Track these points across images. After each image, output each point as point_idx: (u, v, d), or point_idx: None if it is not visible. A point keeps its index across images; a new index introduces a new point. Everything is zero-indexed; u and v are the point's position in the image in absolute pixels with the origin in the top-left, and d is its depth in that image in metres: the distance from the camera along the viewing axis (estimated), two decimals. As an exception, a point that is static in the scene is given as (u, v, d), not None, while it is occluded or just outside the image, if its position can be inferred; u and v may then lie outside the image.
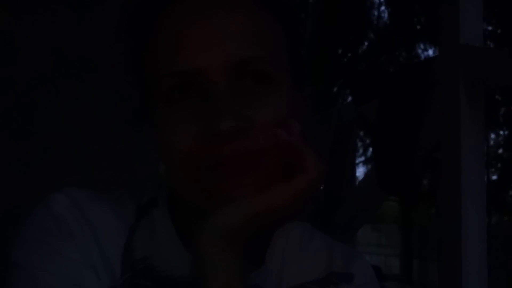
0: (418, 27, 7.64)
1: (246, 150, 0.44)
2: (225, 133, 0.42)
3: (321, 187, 1.65)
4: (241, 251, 0.44)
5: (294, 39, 0.50)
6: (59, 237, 0.47)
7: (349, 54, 7.87)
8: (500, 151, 9.96)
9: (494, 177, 9.48)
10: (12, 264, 0.47)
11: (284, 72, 0.47)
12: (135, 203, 0.52)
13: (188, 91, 0.45)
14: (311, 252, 0.55)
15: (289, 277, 0.53)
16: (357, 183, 2.06)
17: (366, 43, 8.06)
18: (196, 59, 0.44)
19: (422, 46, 8.05)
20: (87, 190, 0.51)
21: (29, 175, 1.25)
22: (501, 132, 9.62)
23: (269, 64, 0.46)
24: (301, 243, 0.56)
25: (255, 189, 0.43)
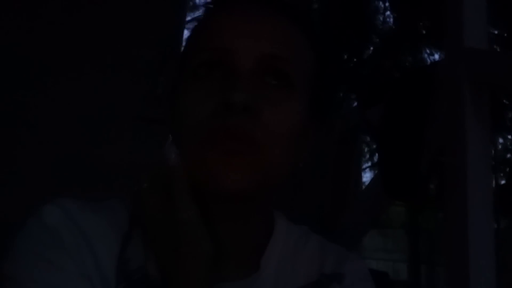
0: (424, 31, 7.62)
1: (248, 131, 0.46)
2: (236, 105, 0.45)
3: (326, 192, 1.64)
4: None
5: (321, 64, 0.54)
6: (52, 248, 0.47)
7: (354, 59, 7.86)
8: (508, 155, 9.87)
9: (503, 182, 9.39)
10: (6, 277, 0.47)
11: (305, 84, 0.50)
12: (128, 212, 0.52)
13: (215, 68, 0.48)
14: (305, 256, 0.56)
15: (284, 283, 0.53)
16: (363, 188, 2.05)
17: (371, 48, 8.05)
18: (229, 41, 0.48)
19: (428, 51, 8.02)
20: (79, 200, 0.51)
21: (28, 178, 1.25)
22: (509, 136, 9.53)
23: (292, 69, 0.49)
24: (297, 247, 0.56)
25: (242, 174, 0.45)
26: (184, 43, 0.55)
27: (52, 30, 1.37)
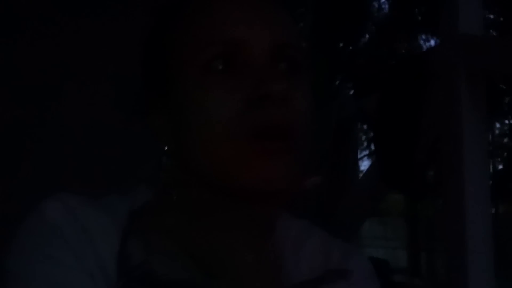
0: (419, 18, 7.59)
1: (289, 120, 0.45)
2: (276, 96, 0.44)
3: (323, 182, 1.64)
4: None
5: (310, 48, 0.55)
6: (53, 244, 0.47)
7: (350, 47, 7.84)
8: (506, 140, 9.90)
9: (500, 167, 9.44)
10: (7, 272, 0.46)
11: (305, 66, 0.51)
12: (128, 207, 0.52)
13: (231, 61, 0.46)
14: (309, 250, 0.55)
15: (288, 277, 0.52)
16: (360, 177, 2.05)
17: (366, 36, 8.03)
18: (244, 32, 0.47)
19: (424, 38, 8.01)
20: (80, 195, 0.51)
21: (28, 178, 1.26)
22: (506, 121, 9.56)
23: (300, 54, 0.49)
24: (299, 242, 0.55)
25: (284, 171, 0.44)
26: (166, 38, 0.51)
27: (51, 37, 1.37)
